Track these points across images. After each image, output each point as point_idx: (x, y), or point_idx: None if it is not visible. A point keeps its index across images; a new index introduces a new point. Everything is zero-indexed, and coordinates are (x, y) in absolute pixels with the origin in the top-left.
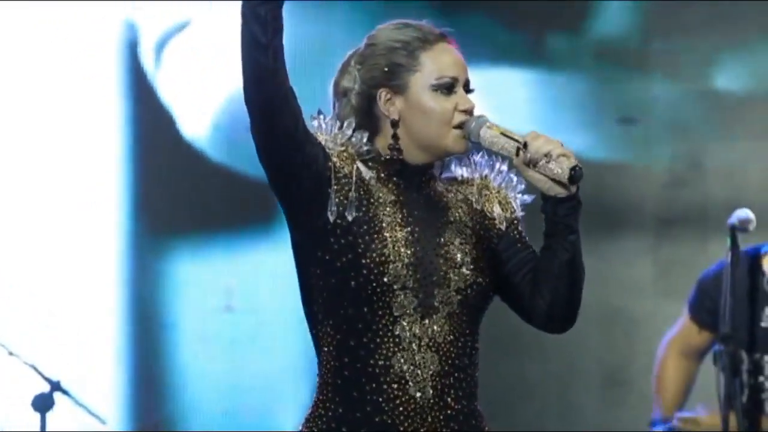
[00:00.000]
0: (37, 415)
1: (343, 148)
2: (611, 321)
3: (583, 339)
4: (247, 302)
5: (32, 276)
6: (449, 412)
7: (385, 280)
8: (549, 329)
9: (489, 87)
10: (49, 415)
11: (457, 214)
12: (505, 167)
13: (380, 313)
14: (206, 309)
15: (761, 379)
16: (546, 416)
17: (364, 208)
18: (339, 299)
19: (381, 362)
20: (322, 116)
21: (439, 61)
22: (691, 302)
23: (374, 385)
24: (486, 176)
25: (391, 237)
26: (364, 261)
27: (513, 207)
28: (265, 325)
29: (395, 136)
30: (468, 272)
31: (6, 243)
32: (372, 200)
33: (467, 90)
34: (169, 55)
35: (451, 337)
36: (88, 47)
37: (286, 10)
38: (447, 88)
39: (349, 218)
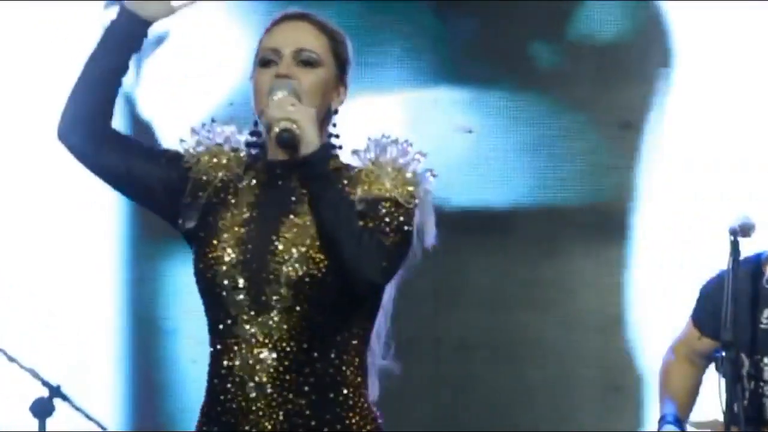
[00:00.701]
0: (36, 421)
1: (220, 158)
2: (610, 327)
3: (583, 345)
4: None
5: (31, 280)
6: (291, 407)
7: (217, 281)
8: (356, 285)
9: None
10: (49, 421)
11: (306, 208)
12: (394, 150)
13: (221, 314)
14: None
15: (761, 384)
16: (543, 421)
17: (215, 213)
18: (203, 303)
19: (225, 362)
20: (204, 127)
21: (265, 40)
22: (694, 309)
23: (222, 385)
24: (374, 161)
25: (224, 239)
26: (200, 265)
27: (380, 187)
28: None
29: (253, 133)
30: (297, 266)
31: (5, 246)
32: (233, 203)
33: (305, 61)
34: (150, 67)
35: (293, 332)
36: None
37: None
38: (266, 61)
39: (186, 226)
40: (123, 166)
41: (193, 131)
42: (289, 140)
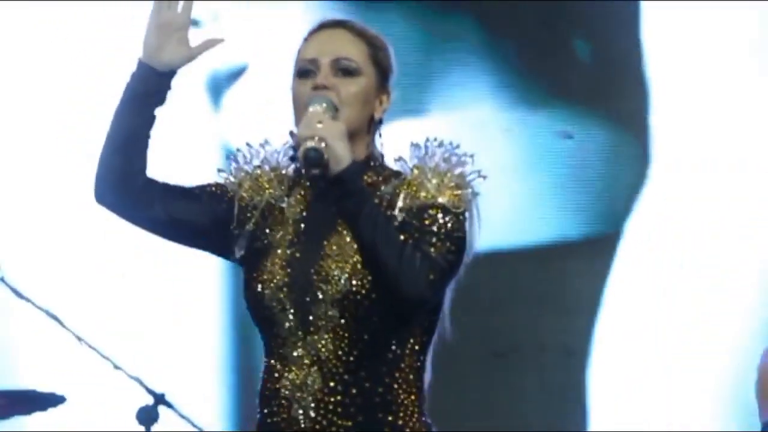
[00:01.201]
0: (142, 428)
1: (261, 180)
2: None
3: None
4: None
5: (136, 288)
6: (335, 430)
7: (265, 304)
8: (402, 301)
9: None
10: (154, 428)
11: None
12: (439, 154)
13: (271, 336)
14: None
15: None
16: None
17: (264, 236)
18: (254, 324)
19: (270, 384)
20: (240, 151)
21: (303, 50)
22: None
23: (269, 407)
24: (417, 168)
25: (271, 261)
26: (248, 290)
27: (426, 193)
28: None
29: (294, 146)
30: (342, 284)
31: (112, 253)
32: (280, 222)
33: (344, 70)
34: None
35: (339, 352)
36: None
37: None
38: (304, 71)
39: (238, 255)
40: (164, 213)
41: (230, 158)
42: (315, 159)
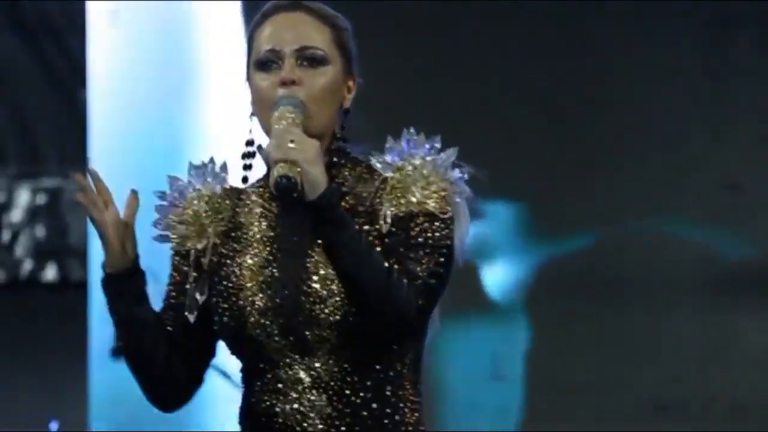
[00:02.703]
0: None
1: (200, 213)
2: None
3: None
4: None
5: None
6: None
7: (247, 333)
8: (389, 329)
9: None
10: None
11: None
12: (421, 150)
13: (259, 362)
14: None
15: None
16: None
17: (226, 265)
18: (231, 353)
19: (268, 410)
20: (165, 194)
21: (259, 37)
22: None
23: None
24: (399, 169)
25: (246, 287)
26: (224, 320)
27: (413, 199)
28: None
29: (249, 142)
30: (336, 303)
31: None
32: (246, 244)
33: (310, 60)
34: None
35: (341, 373)
36: None
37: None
38: (264, 63)
39: (199, 299)
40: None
41: (157, 211)
42: (289, 188)
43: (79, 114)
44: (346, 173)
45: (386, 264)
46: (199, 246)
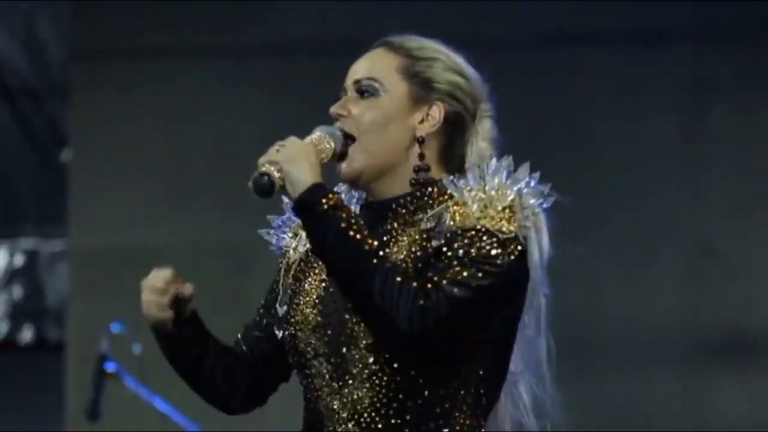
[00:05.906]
0: None
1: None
2: None
3: None
4: None
5: None
6: None
7: (300, 349)
8: (399, 340)
9: None
10: None
11: (390, 250)
12: (497, 178)
13: (308, 385)
14: None
15: None
16: None
17: (299, 282)
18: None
19: None
20: (275, 221)
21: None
22: None
23: None
24: (468, 187)
25: (303, 301)
26: (284, 333)
27: (470, 214)
28: None
29: None
30: None
31: None
32: (310, 260)
33: (362, 92)
34: None
35: (377, 404)
36: None
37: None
38: (337, 98)
39: (280, 312)
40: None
41: (268, 234)
42: (264, 185)
43: (59, 175)
44: (432, 203)
45: (388, 266)
46: (288, 260)
